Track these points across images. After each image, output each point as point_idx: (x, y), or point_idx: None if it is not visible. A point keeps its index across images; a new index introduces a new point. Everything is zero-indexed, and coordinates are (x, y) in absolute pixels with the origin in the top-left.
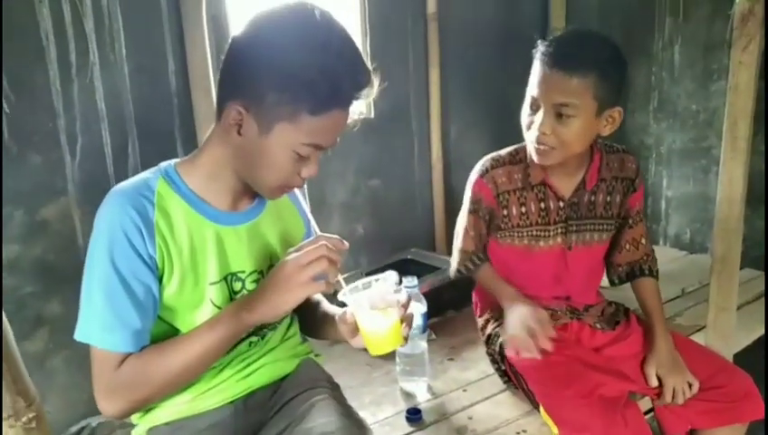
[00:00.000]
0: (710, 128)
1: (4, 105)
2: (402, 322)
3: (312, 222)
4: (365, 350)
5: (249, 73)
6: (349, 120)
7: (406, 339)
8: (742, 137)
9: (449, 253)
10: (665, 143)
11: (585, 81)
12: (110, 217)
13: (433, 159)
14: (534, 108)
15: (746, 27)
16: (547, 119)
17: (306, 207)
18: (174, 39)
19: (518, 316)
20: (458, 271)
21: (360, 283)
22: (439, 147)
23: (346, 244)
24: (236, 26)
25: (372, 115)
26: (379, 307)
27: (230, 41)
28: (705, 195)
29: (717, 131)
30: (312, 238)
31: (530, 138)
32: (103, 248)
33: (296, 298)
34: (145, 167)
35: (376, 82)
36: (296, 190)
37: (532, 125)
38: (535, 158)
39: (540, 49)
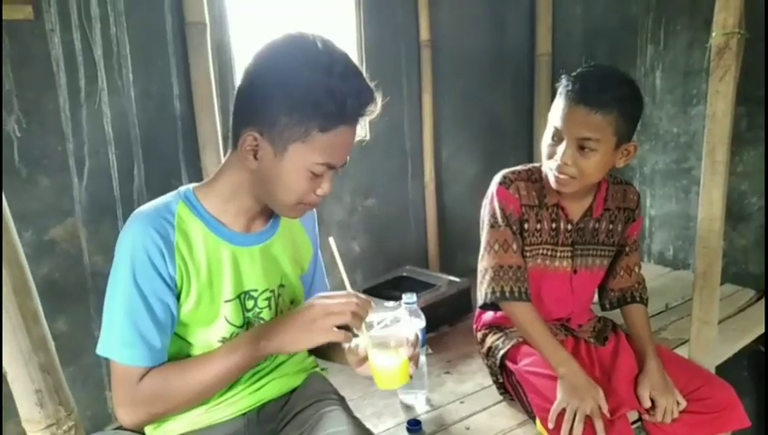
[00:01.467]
0: (690, 150)
1: (15, 129)
2: (410, 360)
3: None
4: (369, 378)
5: (260, 101)
6: (357, 138)
7: (411, 376)
8: (720, 161)
9: (442, 270)
10: (648, 164)
11: (608, 117)
12: (134, 238)
13: (426, 179)
14: (557, 139)
15: (722, 59)
16: (570, 150)
17: (316, 232)
18: (179, 65)
19: (574, 390)
20: (501, 291)
21: (375, 318)
22: (432, 167)
23: (373, 305)
24: (239, 53)
25: (368, 137)
26: (391, 346)
27: (247, 69)
28: (687, 213)
29: (697, 153)
30: (344, 292)
31: (550, 166)
32: (126, 268)
33: (316, 341)
34: (150, 188)
35: (379, 99)
36: (309, 219)
37: (554, 155)
38: (554, 185)
39: (564, 84)
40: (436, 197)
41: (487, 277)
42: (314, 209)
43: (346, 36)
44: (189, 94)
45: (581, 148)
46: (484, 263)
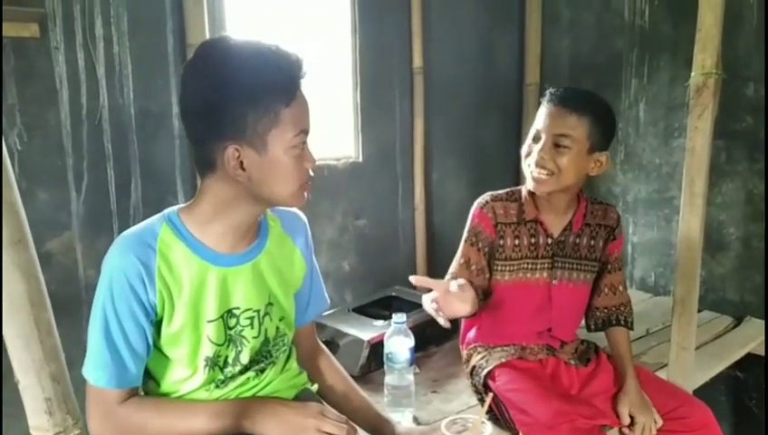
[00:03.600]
0: (672, 180)
1: (17, 143)
2: None
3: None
4: None
5: (224, 114)
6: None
7: None
8: (698, 193)
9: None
10: (631, 193)
11: (582, 119)
12: (115, 264)
13: (416, 201)
14: (536, 139)
15: (701, 97)
16: (547, 146)
17: (310, 248)
18: (179, 85)
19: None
20: None
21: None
22: (422, 190)
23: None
24: None
25: (360, 159)
26: None
27: (182, 104)
28: (668, 241)
29: (678, 183)
30: (341, 416)
31: (528, 162)
32: (106, 293)
33: None
34: (146, 204)
35: (305, 58)
36: (302, 236)
37: (532, 153)
38: (530, 184)
39: (548, 91)
40: (425, 219)
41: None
42: (308, 228)
43: (342, 63)
44: None
45: (557, 145)
46: (451, 269)
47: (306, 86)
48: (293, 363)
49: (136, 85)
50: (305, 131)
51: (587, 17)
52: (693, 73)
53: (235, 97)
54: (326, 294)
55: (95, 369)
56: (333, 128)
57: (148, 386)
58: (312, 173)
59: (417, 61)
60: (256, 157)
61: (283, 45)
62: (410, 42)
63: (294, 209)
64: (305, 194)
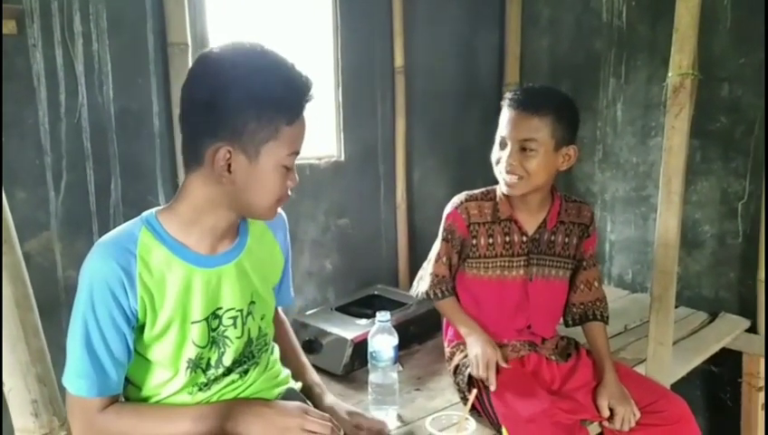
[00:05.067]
0: (649, 178)
1: None
2: None
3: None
4: None
5: (225, 114)
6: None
7: None
8: (675, 192)
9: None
10: (609, 191)
11: (544, 120)
12: (95, 271)
13: (397, 201)
14: (503, 145)
15: (678, 98)
16: (514, 152)
17: (287, 242)
18: (159, 83)
19: (476, 353)
20: (427, 294)
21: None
22: (404, 189)
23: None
24: None
25: (342, 159)
26: None
27: (187, 93)
28: (645, 239)
29: (655, 182)
30: (324, 414)
31: (500, 170)
32: (87, 301)
33: None
34: (126, 204)
35: (314, 83)
36: (281, 231)
37: (501, 160)
38: (504, 189)
39: (507, 96)
40: (407, 218)
41: (426, 281)
42: (287, 223)
43: (323, 61)
44: (169, 112)
45: (523, 149)
46: (428, 267)
47: (309, 111)
48: (276, 364)
49: (116, 83)
50: (297, 153)
51: (566, 18)
52: (670, 74)
53: (243, 100)
54: (292, 290)
55: (76, 378)
56: (315, 127)
57: (128, 391)
58: (290, 193)
59: (399, 60)
60: (246, 163)
61: (298, 65)
62: (392, 41)
63: None
64: (278, 211)
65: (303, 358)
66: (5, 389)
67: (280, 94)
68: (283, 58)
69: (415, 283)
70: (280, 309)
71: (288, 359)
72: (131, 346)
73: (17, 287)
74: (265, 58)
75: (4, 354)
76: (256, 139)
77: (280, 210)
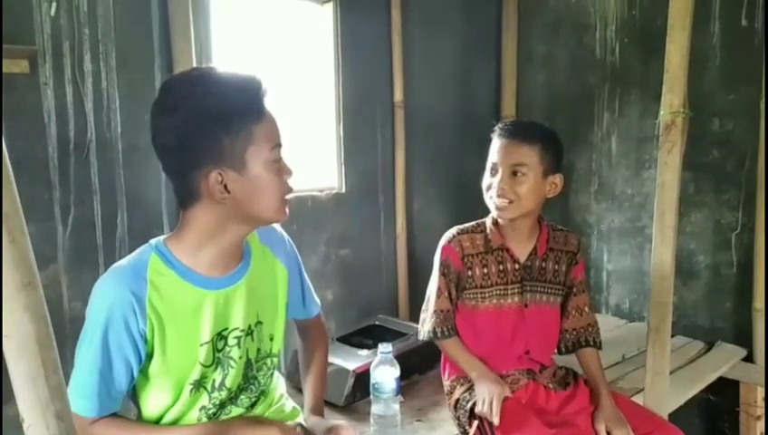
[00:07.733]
0: (643, 210)
1: None
2: None
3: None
4: None
5: (200, 143)
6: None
7: None
8: (669, 226)
9: (412, 318)
10: (605, 222)
11: (533, 147)
12: (110, 298)
13: (397, 231)
14: (494, 172)
15: (669, 135)
16: (505, 177)
17: (291, 257)
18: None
19: (485, 391)
20: (434, 332)
21: None
22: (403, 219)
23: None
24: None
25: (343, 190)
26: None
27: (156, 143)
28: (641, 269)
29: (650, 213)
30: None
31: (490, 195)
32: (99, 326)
33: None
34: (132, 237)
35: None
36: (279, 246)
37: (492, 185)
38: (495, 213)
39: (498, 127)
40: (406, 248)
41: (431, 320)
42: (285, 236)
43: (325, 97)
44: None
45: (514, 174)
46: (430, 306)
47: (271, 104)
48: (282, 395)
49: (124, 120)
50: (279, 145)
51: (560, 54)
52: (661, 112)
53: (206, 125)
54: (316, 298)
55: (79, 398)
56: (317, 160)
57: (131, 413)
58: (291, 185)
59: (398, 95)
60: (238, 177)
61: (240, 70)
62: (391, 77)
63: None
64: (286, 209)
65: (320, 375)
66: (24, 425)
67: (237, 101)
68: (223, 71)
69: (419, 326)
70: (316, 319)
71: (308, 369)
72: (136, 372)
73: (40, 326)
74: (210, 77)
75: (23, 392)
76: (236, 150)
77: (278, 227)
